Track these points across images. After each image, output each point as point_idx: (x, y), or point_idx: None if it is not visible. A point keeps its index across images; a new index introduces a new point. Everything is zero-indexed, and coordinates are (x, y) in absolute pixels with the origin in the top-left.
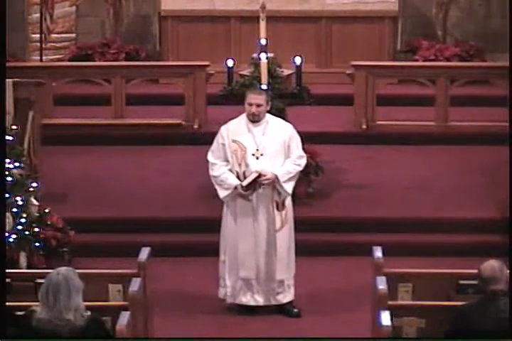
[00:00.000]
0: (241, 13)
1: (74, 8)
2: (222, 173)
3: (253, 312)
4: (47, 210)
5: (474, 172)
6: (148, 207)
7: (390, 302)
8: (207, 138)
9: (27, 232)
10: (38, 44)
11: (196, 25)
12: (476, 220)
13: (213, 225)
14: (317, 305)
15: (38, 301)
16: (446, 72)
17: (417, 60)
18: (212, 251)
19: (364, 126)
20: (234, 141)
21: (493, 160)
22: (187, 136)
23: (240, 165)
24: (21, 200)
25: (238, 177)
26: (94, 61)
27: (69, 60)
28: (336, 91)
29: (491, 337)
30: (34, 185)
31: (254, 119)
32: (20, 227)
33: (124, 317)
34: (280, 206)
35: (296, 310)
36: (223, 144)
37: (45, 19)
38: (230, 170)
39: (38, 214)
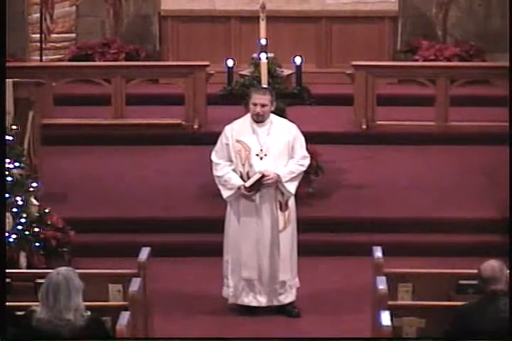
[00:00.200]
0: (241, 13)
1: (74, 8)
2: (226, 173)
3: (253, 313)
4: (47, 210)
5: (474, 172)
6: (148, 207)
7: (390, 302)
8: (207, 138)
9: (27, 232)
10: (38, 44)
11: (196, 25)
12: (476, 220)
13: (213, 225)
14: (317, 305)
15: (38, 301)
16: (446, 72)
17: (417, 60)
18: (212, 251)
19: (364, 126)
20: (238, 141)
21: (493, 160)
22: (187, 136)
23: (243, 165)
24: (21, 200)
25: (242, 177)
26: (94, 61)
27: (69, 60)
28: (336, 91)
29: (491, 337)
30: (34, 185)
31: (259, 119)
32: (20, 227)
33: (124, 317)
34: (283, 206)
35: (296, 311)
36: (227, 144)
37: (45, 19)
38: (234, 170)
39: (38, 214)
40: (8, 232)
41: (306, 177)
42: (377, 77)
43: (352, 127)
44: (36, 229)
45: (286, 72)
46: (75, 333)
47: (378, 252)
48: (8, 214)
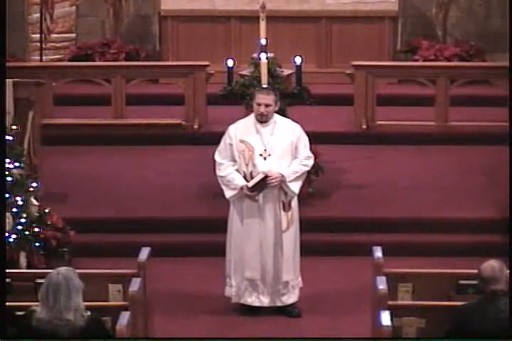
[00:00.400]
0: (241, 13)
1: (74, 8)
2: (229, 173)
3: (254, 313)
4: (47, 210)
5: (474, 172)
6: (148, 207)
7: (390, 302)
8: (207, 138)
9: (27, 232)
10: (38, 44)
11: (196, 25)
12: (476, 220)
13: (213, 225)
14: (317, 305)
15: (38, 301)
16: (446, 72)
17: (417, 60)
18: (212, 251)
19: (364, 126)
20: (242, 141)
21: (493, 160)
22: (187, 136)
23: (247, 165)
24: (21, 200)
25: (245, 177)
26: (94, 61)
27: (69, 60)
28: (336, 91)
29: (491, 337)
30: (34, 185)
31: (263, 119)
32: (20, 227)
33: (124, 317)
34: (286, 206)
35: (296, 311)
36: (231, 144)
37: (45, 19)
38: (237, 170)
39: (38, 214)
40: (8, 232)
41: (306, 177)
42: (377, 77)
43: (352, 127)
44: (36, 229)
45: (286, 72)
46: (75, 333)
47: (378, 252)
48: (8, 214)
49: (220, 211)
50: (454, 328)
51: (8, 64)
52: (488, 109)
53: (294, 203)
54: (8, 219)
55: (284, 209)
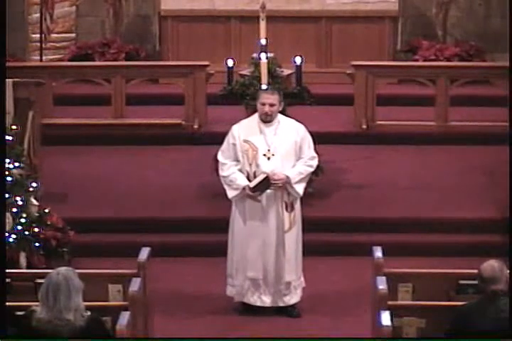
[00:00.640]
0: (241, 13)
1: (74, 8)
2: (232, 173)
3: (254, 313)
4: (47, 210)
5: (474, 172)
6: (148, 207)
7: (390, 303)
8: (207, 138)
9: (27, 232)
10: (38, 44)
11: (196, 25)
12: (476, 220)
13: (213, 225)
14: (317, 305)
15: (38, 301)
16: (446, 72)
17: (417, 60)
18: (212, 251)
19: (364, 126)
20: (245, 141)
21: (493, 160)
22: (187, 136)
23: (250, 165)
24: (21, 200)
25: (248, 177)
26: (94, 61)
27: (69, 60)
28: (336, 91)
29: (491, 337)
30: (34, 185)
31: (267, 119)
32: (20, 227)
33: (124, 317)
34: (289, 207)
35: (296, 311)
36: (234, 144)
37: (45, 19)
38: (240, 170)
39: (37, 214)
40: (8, 232)
41: None
42: (377, 77)
43: (352, 127)
44: (36, 229)
45: (286, 72)
46: (75, 333)
47: (378, 252)
48: (8, 214)
49: (220, 211)
50: (454, 328)
51: (8, 64)
52: (488, 109)
53: (297, 203)
54: (8, 219)
55: (286, 210)
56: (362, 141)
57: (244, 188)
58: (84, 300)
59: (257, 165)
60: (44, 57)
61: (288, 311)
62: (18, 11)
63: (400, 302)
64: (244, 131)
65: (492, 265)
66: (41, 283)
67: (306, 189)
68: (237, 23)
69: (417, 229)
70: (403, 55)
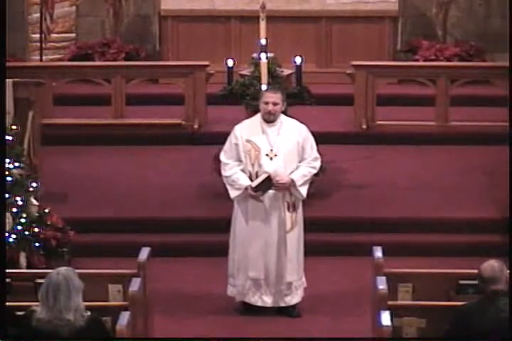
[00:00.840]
0: (241, 13)
1: (74, 8)
2: (234, 173)
3: (255, 313)
4: (47, 210)
5: (474, 172)
6: (148, 207)
7: (390, 303)
8: (207, 138)
9: (27, 232)
10: (38, 44)
11: (196, 25)
12: (476, 220)
13: (213, 225)
14: (317, 305)
15: (38, 301)
16: (446, 72)
17: (417, 60)
18: (212, 251)
19: (364, 126)
20: (248, 141)
21: (493, 160)
22: (187, 136)
23: (253, 165)
24: (21, 200)
25: (251, 177)
26: (94, 61)
27: (69, 60)
28: (336, 91)
29: (491, 337)
30: (34, 185)
31: (270, 119)
32: (20, 227)
33: (124, 317)
34: (291, 207)
35: (296, 311)
36: (236, 144)
37: (45, 19)
38: (243, 170)
39: (37, 214)
40: (8, 232)
41: None
42: (377, 77)
43: (352, 127)
44: (36, 229)
45: (286, 72)
46: (75, 333)
47: (378, 252)
48: (8, 214)
49: (220, 211)
50: (454, 328)
51: (8, 64)
52: (488, 109)
53: (299, 204)
54: (8, 219)
55: (288, 210)
56: (362, 141)
57: (246, 188)
58: (84, 300)
59: (260, 165)
60: (44, 57)
61: (288, 311)
62: (18, 11)
63: (399, 302)
64: (247, 131)
65: (492, 265)
66: (41, 283)
67: (308, 190)
68: (237, 23)
69: (417, 229)
70: (403, 55)
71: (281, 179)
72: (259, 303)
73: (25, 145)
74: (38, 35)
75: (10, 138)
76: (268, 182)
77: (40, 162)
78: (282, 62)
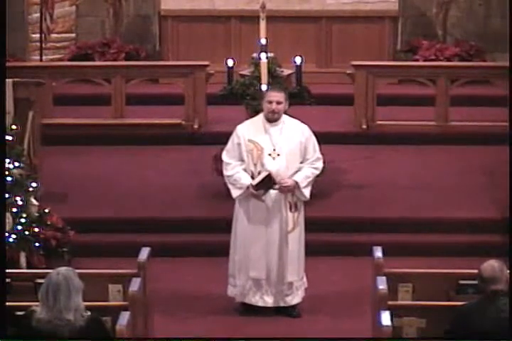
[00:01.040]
0: (241, 12)
1: (74, 7)
2: (236, 173)
3: (254, 313)
4: (47, 210)
5: (474, 172)
6: (149, 207)
7: (390, 303)
8: (207, 138)
9: (27, 232)
10: (38, 44)
11: (196, 25)
12: (476, 220)
13: (213, 225)
14: (317, 305)
15: (38, 301)
16: (446, 72)
17: (417, 60)
18: (212, 251)
19: (364, 126)
20: (250, 141)
21: (493, 160)
22: (187, 136)
23: (255, 165)
24: (21, 200)
25: (253, 177)
26: (94, 61)
27: (69, 60)
28: (336, 91)
29: (491, 337)
30: (34, 185)
31: (274, 118)
32: (20, 227)
33: (124, 317)
34: (293, 207)
35: (296, 311)
36: (239, 144)
37: (45, 19)
38: (245, 170)
39: (37, 214)
40: (8, 232)
41: None
42: (377, 77)
43: (352, 127)
44: (36, 229)
45: (286, 72)
46: (75, 333)
47: (378, 252)
48: (8, 214)
49: (220, 211)
50: (454, 328)
51: (8, 64)
52: (488, 109)
53: (301, 204)
54: (8, 219)
55: (290, 210)
56: (362, 141)
57: (248, 187)
58: (84, 300)
59: (262, 165)
60: (44, 57)
61: (288, 311)
62: (18, 11)
63: (400, 302)
64: (249, 130)
65: (492, 265)
66: (41, 283)
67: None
68: (237, 23)
69: (417, 229)
70: (403, 55)
71: (286, 182)
72: (260, 303)
73: (25, 145)
74: (38, 35)
75: (10, 138)
76: (269, 181)
77: (40, 162)
78: (282, 62)
